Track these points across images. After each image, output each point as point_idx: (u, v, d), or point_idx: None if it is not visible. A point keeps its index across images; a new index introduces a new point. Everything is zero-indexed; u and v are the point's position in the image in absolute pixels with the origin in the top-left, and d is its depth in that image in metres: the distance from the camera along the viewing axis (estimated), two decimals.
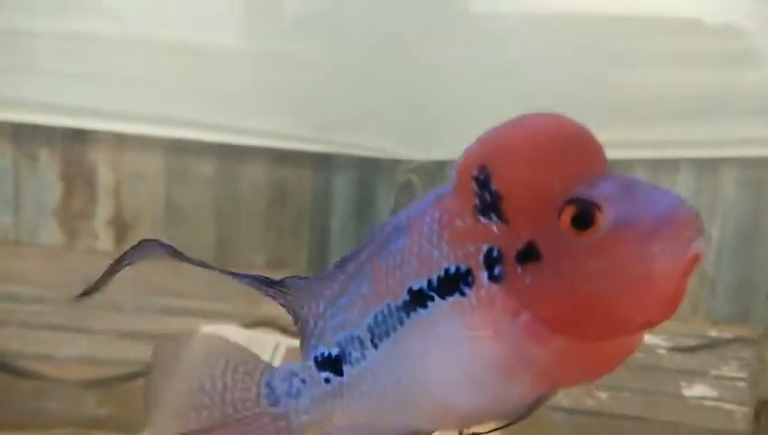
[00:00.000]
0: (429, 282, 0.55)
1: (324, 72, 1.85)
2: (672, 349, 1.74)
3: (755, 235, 2.14)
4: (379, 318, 0.57)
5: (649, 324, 0.51)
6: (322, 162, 2.06)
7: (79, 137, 2.02)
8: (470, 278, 0.54)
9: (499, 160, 0.54)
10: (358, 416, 0.58)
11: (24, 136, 2.02)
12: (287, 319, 0.61)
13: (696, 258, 0.49)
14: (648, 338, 1.80)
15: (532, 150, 0.53)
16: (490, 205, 0.54)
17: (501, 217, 0.54)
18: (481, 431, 0.60)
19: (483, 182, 0.55)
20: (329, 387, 0.58)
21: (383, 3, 1.78)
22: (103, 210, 2.07)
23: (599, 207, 0.50)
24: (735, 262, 2.15)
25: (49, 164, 2.04)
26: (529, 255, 0.52)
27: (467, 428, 0.60)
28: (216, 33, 1.83)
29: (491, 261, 0.54)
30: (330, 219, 2.10)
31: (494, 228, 0.54)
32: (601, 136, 0.54)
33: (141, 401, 0.58)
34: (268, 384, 0.58)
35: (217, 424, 0.58)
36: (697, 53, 1.88)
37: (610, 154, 0.53)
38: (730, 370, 1.70)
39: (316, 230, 2.11)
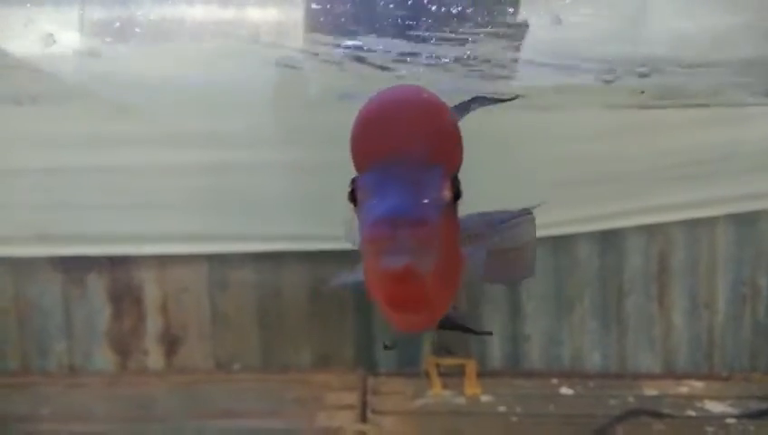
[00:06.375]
0: None
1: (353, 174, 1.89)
2: (741, 416, 1.69)
3: None
4: None
5: (388, 305, 0.56)
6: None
7: (123, 259, 2.08)
8: None
9: (355, 118, 0.59)
10: None
11: (72, 264, 2.08)
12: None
13: (390, 270, 0.53)
14: (714, 406, 1.77)
15: (355, 124, 0.58)
16: None
17: None
18: None
19: None
20: None
21: None
22: (152, 327, 2.11)
23: (356, 192, 0.56)
24: None
25: (96, 288, 2.10)
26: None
27: None
28: (245, 151, 1.88)
29: None
30: (373, 310, 2.12)
31: None
32: None
33: None
34: None
35: None
36: None
37: None
38: None
39: (360, 323, 2.13)
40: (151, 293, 2.10)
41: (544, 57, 1.47)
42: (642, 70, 1.57)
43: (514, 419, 1.71)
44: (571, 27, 1.28)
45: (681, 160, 1.97)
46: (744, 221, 2.11)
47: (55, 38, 1.55)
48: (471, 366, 1.95)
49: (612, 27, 1.42)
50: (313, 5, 1.46)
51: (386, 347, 0.78)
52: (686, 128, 1.93)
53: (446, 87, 1.57)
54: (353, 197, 0.59)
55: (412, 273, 0.53)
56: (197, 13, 1.56)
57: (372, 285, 0.59)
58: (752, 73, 1.56)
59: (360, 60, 1.40)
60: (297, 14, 1.47)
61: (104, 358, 2.09)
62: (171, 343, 2.11)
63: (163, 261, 2.08)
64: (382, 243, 0.53)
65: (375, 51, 1.36)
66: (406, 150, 0.57)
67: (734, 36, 1.39)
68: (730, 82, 1.61)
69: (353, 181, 0.59)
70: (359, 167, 0.59)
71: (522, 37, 1.49)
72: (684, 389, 1.91)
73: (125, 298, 2.10)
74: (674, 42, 1.44)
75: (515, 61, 1.57)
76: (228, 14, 1.51)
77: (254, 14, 1.52)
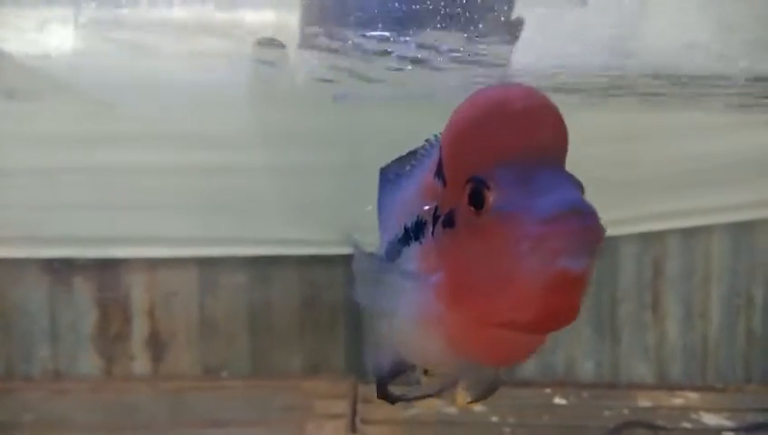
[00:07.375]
0: (408, 226, 0.62)
1: (348, 177, 1.86)
2: (738, 429, 1.67)
3: None
4: (390, 246, 0.66)
5: (515, 324, 0.50)
6: (351, 260, 2.05)
7: (111, 261, 2.04)
8: (425, 229, 0.59)
9: (449, 126, 0.56)
10: None
11: (58, 266, 2.04)
12: None
13: (567, 273, 0.46)
14: (709, 419, 1.75)
15: (466, 122, 0.54)
16: (438, 167, 0.58)
17: (442, 180, 0.57)
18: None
19: (438, 144, 0.59)
20: None
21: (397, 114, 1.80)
22: (139, 331, 2.07)
23: (489, 190, 0.50)
24: None
25: (83, 291, 2.06)
26: (449, 221, 0.54)
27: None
28: (236, 153, 1.85)
29: (436, 218, 0.57)
30: (364, 317, 2.09)
31: (439, 190, 0.57)
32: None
33: None
34: None
35: None
36: None
37: None
38: None
39: (351, 329, 2.09)
40: (139, 297, 2.06)
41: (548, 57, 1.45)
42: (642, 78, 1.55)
43: (507, 429, 1.68)
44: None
45: (677, 168, 1.96)
46: (740, 231, 2.09)
47: (45, 36, 1.52)
48: None
49: (612, 34, 1.40)
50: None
51: (393, 400, 0.74)
52: (682, 135, 1.92)
53: (444, 84, 1.55)
54: (478, 199, 0.49)
55: (586, 278, 0.46)
56: (192, 12, 1.53)
57: (489, 301, 0.49)
58: (751, 83, 1.54)
59: (354, 57, 1.38)
60: (292, 15, 1.45)
61: (90, 363, 2.05)
62: (158, 349, 2.07)
63: (152, 264, 2.04)
64: (564, 240, 0.45)
65: (373, 49, 1.34)
66: (542, 145, 0.50)
67: (735, 47, 1.37)
68: (729, 91, 1.60)
69: (475, 180, 0.49)
70: (475, 164, 0.50)
71: (517, 34, 1.48)
72: (678, 400, 1.89)
73: (112, 302, 2.06)
74: (676, 51, 1.42)
75: (509, 57, 1.56)
76: (222, 14, 1.49)
77: (249, 14, 1.50)
